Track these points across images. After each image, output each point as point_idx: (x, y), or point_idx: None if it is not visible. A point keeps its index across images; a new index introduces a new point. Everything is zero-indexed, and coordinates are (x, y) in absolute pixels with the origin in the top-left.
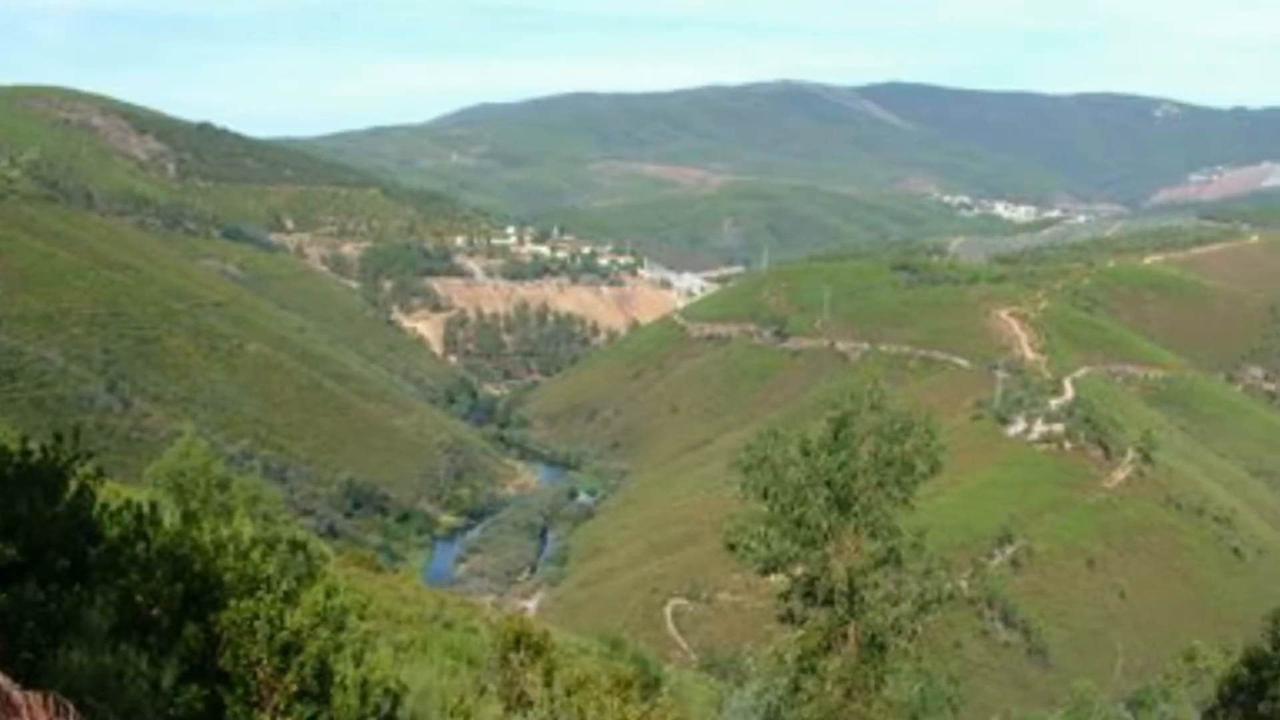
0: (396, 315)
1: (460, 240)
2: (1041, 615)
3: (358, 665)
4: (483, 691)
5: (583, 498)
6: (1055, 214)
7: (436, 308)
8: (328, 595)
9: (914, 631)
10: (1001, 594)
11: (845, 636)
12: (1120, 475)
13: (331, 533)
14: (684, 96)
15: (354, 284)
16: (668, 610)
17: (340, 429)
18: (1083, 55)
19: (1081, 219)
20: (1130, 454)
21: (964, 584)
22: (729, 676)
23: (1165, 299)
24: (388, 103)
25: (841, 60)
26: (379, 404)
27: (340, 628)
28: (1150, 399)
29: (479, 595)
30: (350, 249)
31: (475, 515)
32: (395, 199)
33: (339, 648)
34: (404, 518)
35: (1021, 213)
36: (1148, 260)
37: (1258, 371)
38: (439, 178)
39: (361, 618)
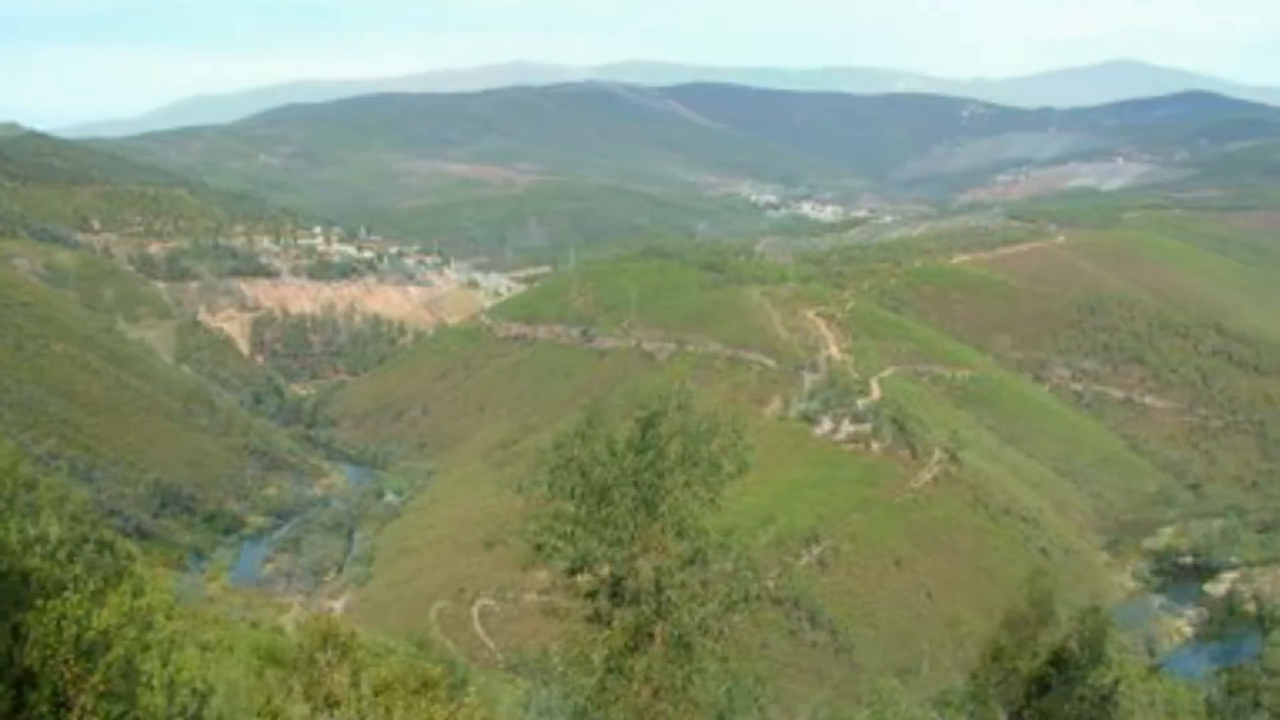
0: (203, 315)
1: (268, 240)
2: (849, 615)
3: (165, 665)
4: (290, 691)
5: (390, 498)
6: (862, 214)
7: (243, 307)
8: (135, 595)
9: (721, 631)
10: (809, 594)
11: (652, 636)
12: (927, 475)
13: (139, 533)
14: (490, 97)
15: (161, 284)
16: (475, 610)
17: (147, 429)
18: (889, 55)
19: (889, 219)
20: (937, 454)
21: (771, 584)
22: (536, 677)
23: (973, 299)
24: (194, 102)
25: (648, 59)
26: (186, 404)
27: (147, 627)
28: (957, 399)
29: (286, 595)
30: (157, 249)
31: (282, 515)
32: (203, 199)
33: (146, 647)
34: (211, 518)
35: (829, 213)
36: (955, 260)
37: (1065, 372)
38: (247, 178)
39: (169, 617)
